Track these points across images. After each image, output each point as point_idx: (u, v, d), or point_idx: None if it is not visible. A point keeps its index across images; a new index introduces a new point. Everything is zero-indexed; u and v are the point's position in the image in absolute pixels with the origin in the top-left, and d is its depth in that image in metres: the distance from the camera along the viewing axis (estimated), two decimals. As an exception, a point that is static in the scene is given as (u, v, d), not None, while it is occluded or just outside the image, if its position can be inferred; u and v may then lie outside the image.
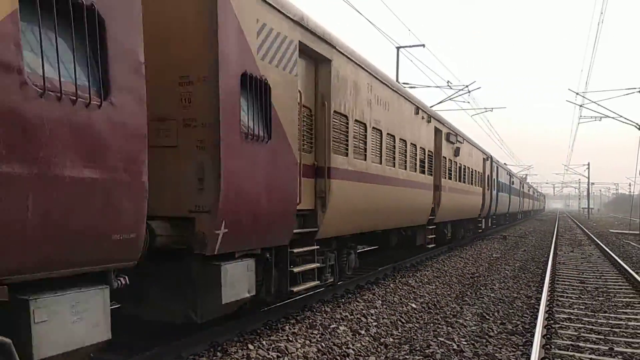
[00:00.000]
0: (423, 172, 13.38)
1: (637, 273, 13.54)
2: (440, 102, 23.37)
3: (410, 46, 21.78)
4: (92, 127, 3.73)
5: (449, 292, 10.91)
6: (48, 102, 3.38)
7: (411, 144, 12.29)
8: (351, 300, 9.09)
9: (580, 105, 27.78)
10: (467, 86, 24.02)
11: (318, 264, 7.89)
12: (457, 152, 17.51)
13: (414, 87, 22.42)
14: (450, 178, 16.70)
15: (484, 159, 23.58)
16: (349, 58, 8.59)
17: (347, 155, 8.63)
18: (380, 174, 10.19)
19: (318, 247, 7.88)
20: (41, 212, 3.37)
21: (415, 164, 12.71)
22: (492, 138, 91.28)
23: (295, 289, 7.19)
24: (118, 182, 3.99)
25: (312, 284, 7.76)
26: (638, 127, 24.63)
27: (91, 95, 3.69)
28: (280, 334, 6.77)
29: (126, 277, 4.27)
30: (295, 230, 7.05)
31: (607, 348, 7.04)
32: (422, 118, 13.38)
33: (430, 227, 14.74)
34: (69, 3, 3.54)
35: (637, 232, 26.74)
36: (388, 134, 10.58)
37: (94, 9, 3.68)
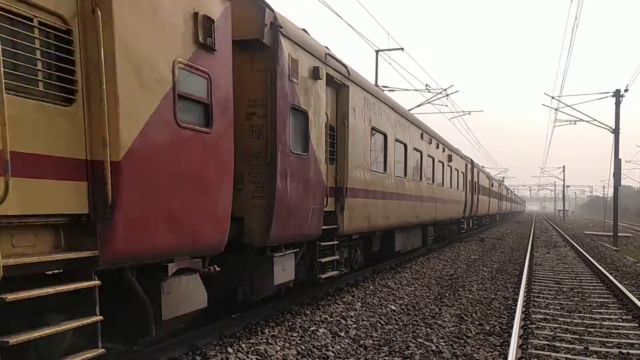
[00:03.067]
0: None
1: (610, 274, 13.81)
2: (419, 105, 23.53)
3: (389, 50, 21.89)
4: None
5: (427, 294, 10.98)
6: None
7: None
8: (331, 303, 9.09)
9: (556, 109, 28.25)
10: (445, 89, 24.23)
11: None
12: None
13: (393, 90, 22.56)
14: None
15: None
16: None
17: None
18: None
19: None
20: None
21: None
22: (470, 141, 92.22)
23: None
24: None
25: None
26: (611, 130, 25.13)
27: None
28: (259, 337, 6.74)
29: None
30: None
31: (582, 347, 7.16)
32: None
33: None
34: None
35: (611, 234, 27.27)
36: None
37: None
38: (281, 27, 6.91)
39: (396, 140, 12.73)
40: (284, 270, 7.41)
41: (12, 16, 3.62)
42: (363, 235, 11.19)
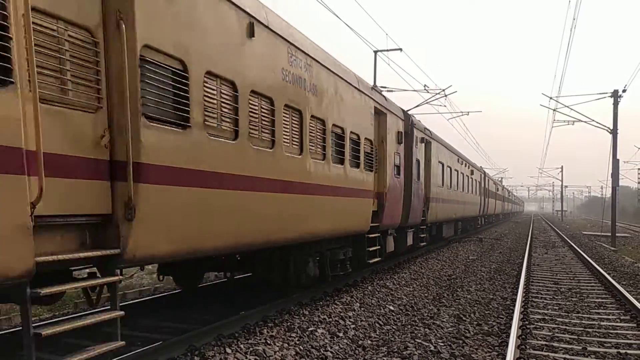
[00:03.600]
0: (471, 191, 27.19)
1: (609, 274, 13.83)
2: (417, 106, 23.50)
3: (387, 50, 21.88)
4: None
5: (426, 294, 10.99)
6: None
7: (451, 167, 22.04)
8: (329, 303, 9.09)
9: (554, 110, 28.24)
10: (443, 90, 24.23)
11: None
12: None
13: (391, 91, 22.56)
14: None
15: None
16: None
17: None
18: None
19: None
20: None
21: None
22: (468, 141, 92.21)
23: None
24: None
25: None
26: (609, 131, 25.16)
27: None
28: (258, 338, 6.74)
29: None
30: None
31: (580, 348, 7.17)
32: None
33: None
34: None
35: (609, 234, 27.31)
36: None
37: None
38: (414, 124, 15.09)
39: (447, 166, 20.88)
40: (410, 238, 15.20)
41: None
42: (435, 223, 19.91)
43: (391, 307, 9.40)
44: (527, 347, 7.12)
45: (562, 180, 75.78)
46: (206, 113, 5.60)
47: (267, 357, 6.10)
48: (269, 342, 6.61)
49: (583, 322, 8.78)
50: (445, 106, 28.50)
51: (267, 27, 6.80)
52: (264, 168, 6.75)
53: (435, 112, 27.16)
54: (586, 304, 10.32)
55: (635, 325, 8.60)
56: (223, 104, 5.99)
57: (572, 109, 26.41)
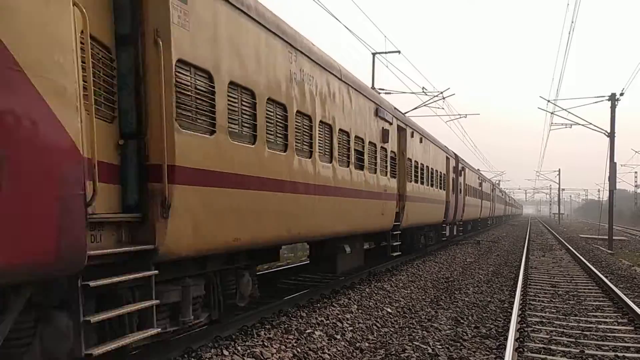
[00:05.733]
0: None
1: (606, 277, 13.84)
2: (416, 108, 23.53)
3: (386, 52, 21.89)
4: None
5: (423, 297, 10.98)
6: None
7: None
8: (327, 305, 9.07)
9: (552, 113, 28.29)
10: (441, 92, 24.26)
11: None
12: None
13: (390, 93, 22.58)
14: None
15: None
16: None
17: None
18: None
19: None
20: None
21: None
22: (466, 144, 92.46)
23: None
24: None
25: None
26: (607, 134, 25.21)
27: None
28: (255, 340, 6.72)
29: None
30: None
31: (578, 351, 7.16)
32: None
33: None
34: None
35: (606, 237, 27.35)
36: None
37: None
38: (455, 156, 23.43)
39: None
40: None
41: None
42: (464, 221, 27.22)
43: (389, 310, 9.39)
44: (525, 350, 7.11)
45: (559, 183, 75.94)
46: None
47: (265, 359, 6.07)
48: (266, 344, 6.59)
49: (581, 325, 8.78)
50: (443, 109, 28.56)
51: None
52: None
53: (434, 114, 27.21)
54: (584, 307, 10.32)
55: (632, 328, 8.60)
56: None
57: (569, 112, 26.51)
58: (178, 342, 6.08)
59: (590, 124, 26.19)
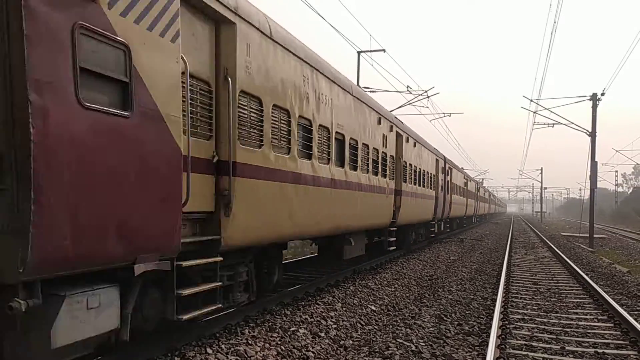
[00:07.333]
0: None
1: (586, 275, 14.03)
2: (400, 107, 23.63)
3: (371, 51, 21.95)
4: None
5: (407, 294, 11.03)
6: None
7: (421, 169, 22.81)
8: (311, 303, 9.08)
9: (534, 112, 28.58)
10: (426, 91, 24.39)
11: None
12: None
13: (375, 92, 22.63)
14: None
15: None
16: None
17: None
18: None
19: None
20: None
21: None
22: (450, 142, 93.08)
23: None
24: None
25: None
26: (588, 133, 25.54)
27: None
28: (239, 338, 6.70)
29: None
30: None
31: (559, 347, 7.26)
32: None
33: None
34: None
35: (587, 235, 27.72)
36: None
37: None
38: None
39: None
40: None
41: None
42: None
43: (373, 307, 9.42)
44: (507, 346, 7.18)
45: (541, 182, 76.74)
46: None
47: (249, 357, 6.06)
48: (250, 342, 6.57)
49: (562, 322, 8.89)
50: (427, 107, 28.72)
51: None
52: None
53: (418, 113, 27.35)
54: (565, 304, 10.46)
55: (612, 325, 8.73)
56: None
57: (552, 112, 26.79)
58: (161, 340, 6.04)
59: (573, 123, 26.53)
